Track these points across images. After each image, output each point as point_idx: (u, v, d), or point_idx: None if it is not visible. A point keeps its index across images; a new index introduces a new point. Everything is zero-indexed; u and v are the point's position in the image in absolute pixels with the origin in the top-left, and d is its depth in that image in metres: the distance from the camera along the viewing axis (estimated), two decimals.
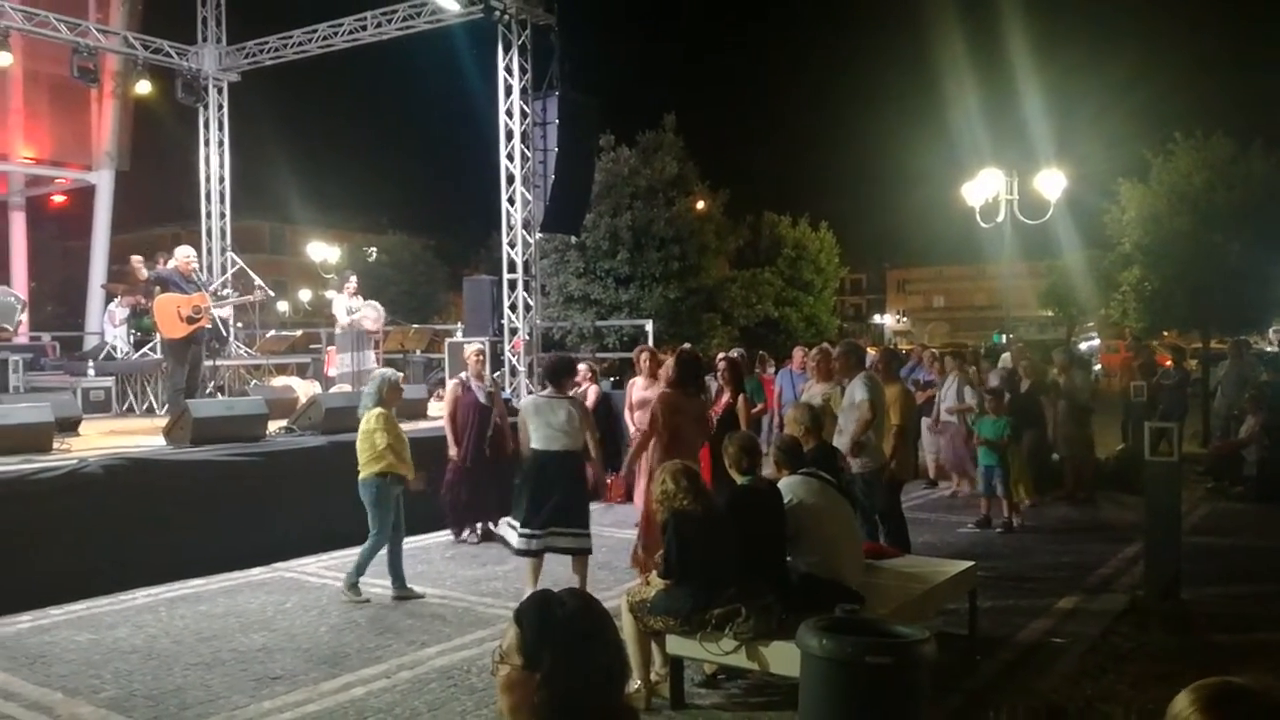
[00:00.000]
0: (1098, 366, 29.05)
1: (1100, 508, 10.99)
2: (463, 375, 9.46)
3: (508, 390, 12.95)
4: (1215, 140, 17.30)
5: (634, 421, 9.66)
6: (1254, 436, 11.73)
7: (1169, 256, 17.26)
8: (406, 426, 9.08)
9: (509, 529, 6.90)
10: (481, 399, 9.22)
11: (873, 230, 62.50)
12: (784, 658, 4.54)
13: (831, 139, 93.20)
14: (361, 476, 7.20)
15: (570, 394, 7.08)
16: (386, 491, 7.16)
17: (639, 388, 9.62)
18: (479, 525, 9.37)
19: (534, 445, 6.76)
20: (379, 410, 7.22)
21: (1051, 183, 15.44)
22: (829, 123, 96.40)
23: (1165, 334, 21.04)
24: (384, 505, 7.16)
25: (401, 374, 8.96)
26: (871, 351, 14.79)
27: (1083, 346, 38.24)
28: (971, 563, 6.43)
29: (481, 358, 9.49)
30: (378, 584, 7.36)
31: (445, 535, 9.38)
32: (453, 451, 9.11)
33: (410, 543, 8.98)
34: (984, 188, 15.67)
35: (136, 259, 11.02)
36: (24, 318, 10.46)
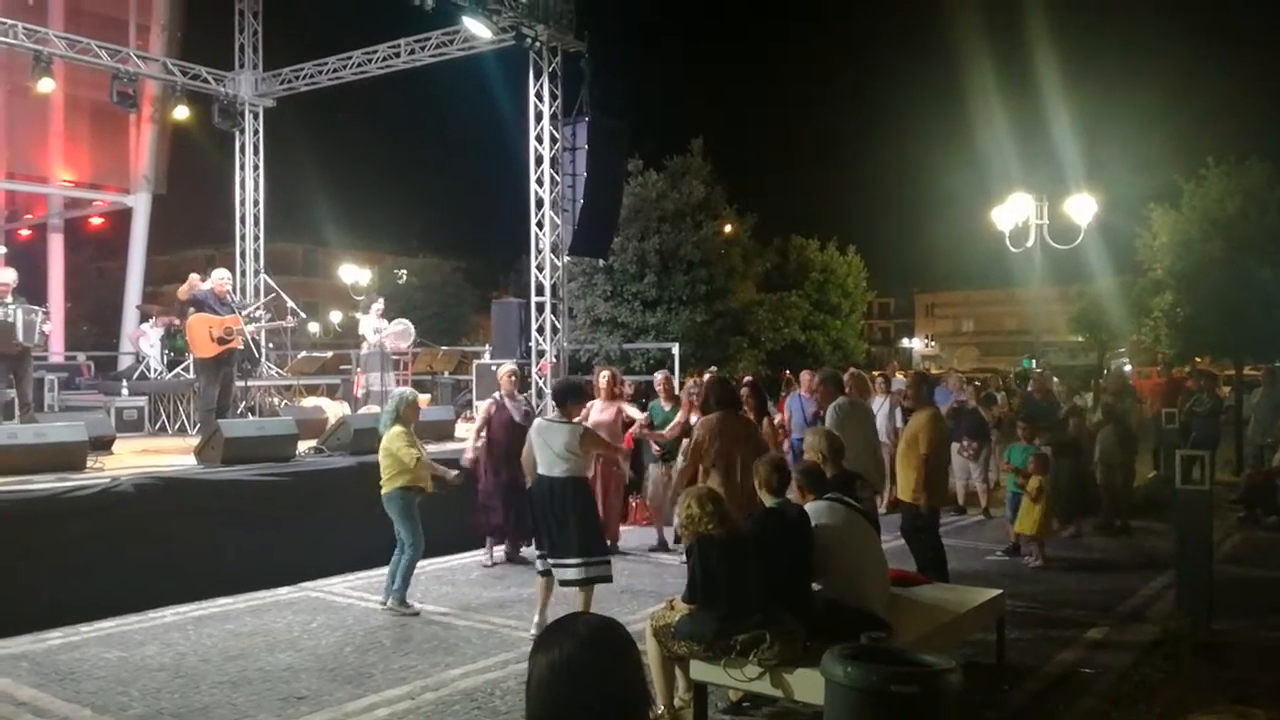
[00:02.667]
0: None
1: (1132, 536, 10.85)
2: (497, 394, 9.44)
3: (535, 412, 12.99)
4: (1249, 165, 17.16)
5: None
6: None
7: (1201, 282, 17.11)
8: (433, 447, 9.18)
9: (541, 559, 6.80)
10: (517, 418, 9.17)
11: (901, 254, 62.31)
12: (808, 685, 4.51)
13: (861, 162, 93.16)
14: (386, 491, 7.42)
15: (576, 419, 6.96)
16: (412, 503, 7.41)
17: (596, 410, 9.63)
18: (503, 546, 9.36)
19: (538, 470, 6.70)
20: (400, 428, 7.42)
21: (1082, 207, 15.37)
22: (858, 146, 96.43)
23: (1198, 360, 20.79)
24: (413, 517, 7.42)
25: (428, 395, 9.09)
26: (901, 376, 14.74)
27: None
28: (999, 591, 6.36)
29: (514, 377, 9.48)
30: (374, 599, 7.42)
31: (472, 557, 9.39)
32: (467, 457, 9.02)
33: (437, 563, 9.08)
34: (1014, 212, 15.62)
35: (195, 276, 11.22)
36: (48, 329, 10.54)
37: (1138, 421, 12.35)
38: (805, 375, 12.71)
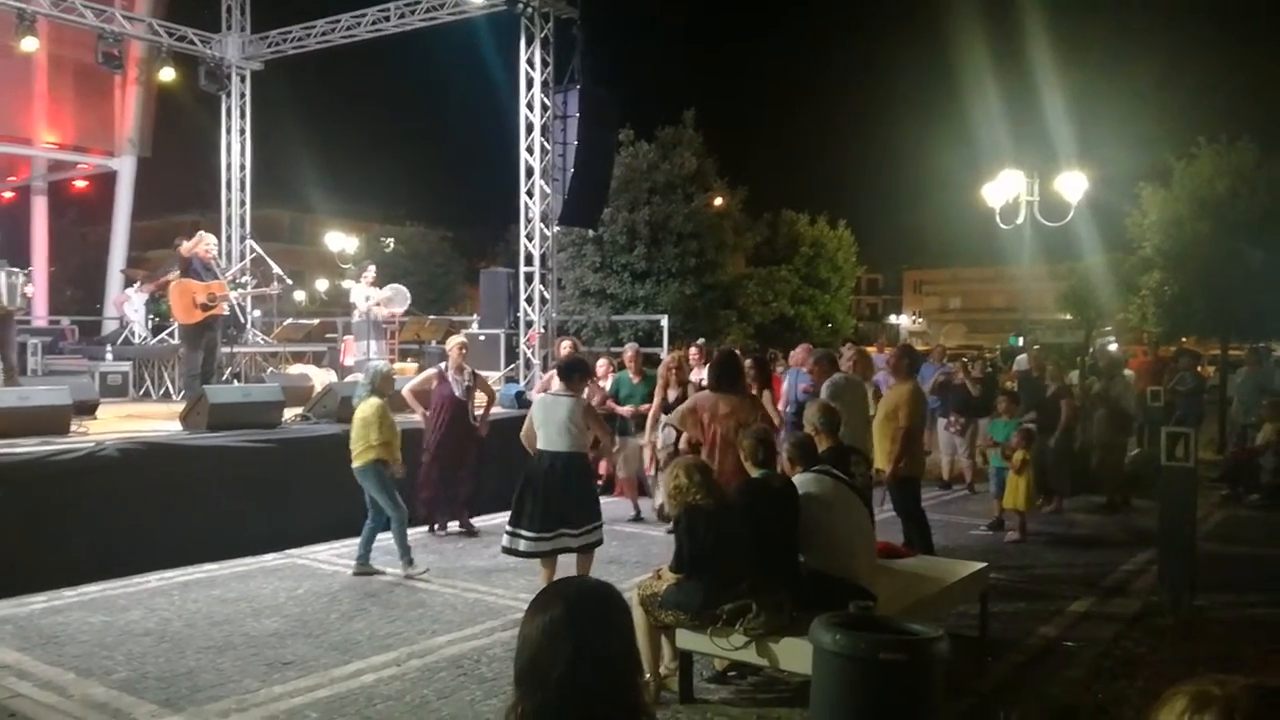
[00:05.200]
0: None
1: (1115, 512, 10.94)
2: (442, 365, 9.29)
3: (521, 382, 12.98)
4: (1239, 146, 17.16)
5: None
6: (1271, 444, 11.66)
7: (1190, 261, 17.14)
8: (415, 417, 9.14)
9: (509, 535, 6.65)
10: (458, 392, 9.05)
11: (891, 230, 62.16)
12: (794, 654, 4.54)
13: (852, 137, 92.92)
14: (359, 464, 7.49)
15: (580, 393, 6.85)
16: (380, 476, 7.49)
17: (556, 382, 9.59)
18: (448, 520, 9.28)
19: (539, 445, 6.62)
20: (375, 401, 7.51)
21: (1072, 185, 15.36)
22: (849, 121, 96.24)
23: (1184, 340, 20.87)
24: (388, 488, 7.50)
25: (415, 364, 9.04)
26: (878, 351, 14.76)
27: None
28: (983, 564, 6.41)
29: (464, 351, 9.34)
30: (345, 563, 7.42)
31: (456, 525, 9.37)
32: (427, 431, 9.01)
33: (421, 532, 9.08)
34: (1004, 189, 15.60)
35: (180, 242, 11.14)
36: (29, 291, 10.44)
37: (1132, 398, 12.49)
38: (802, 350, 12.74)
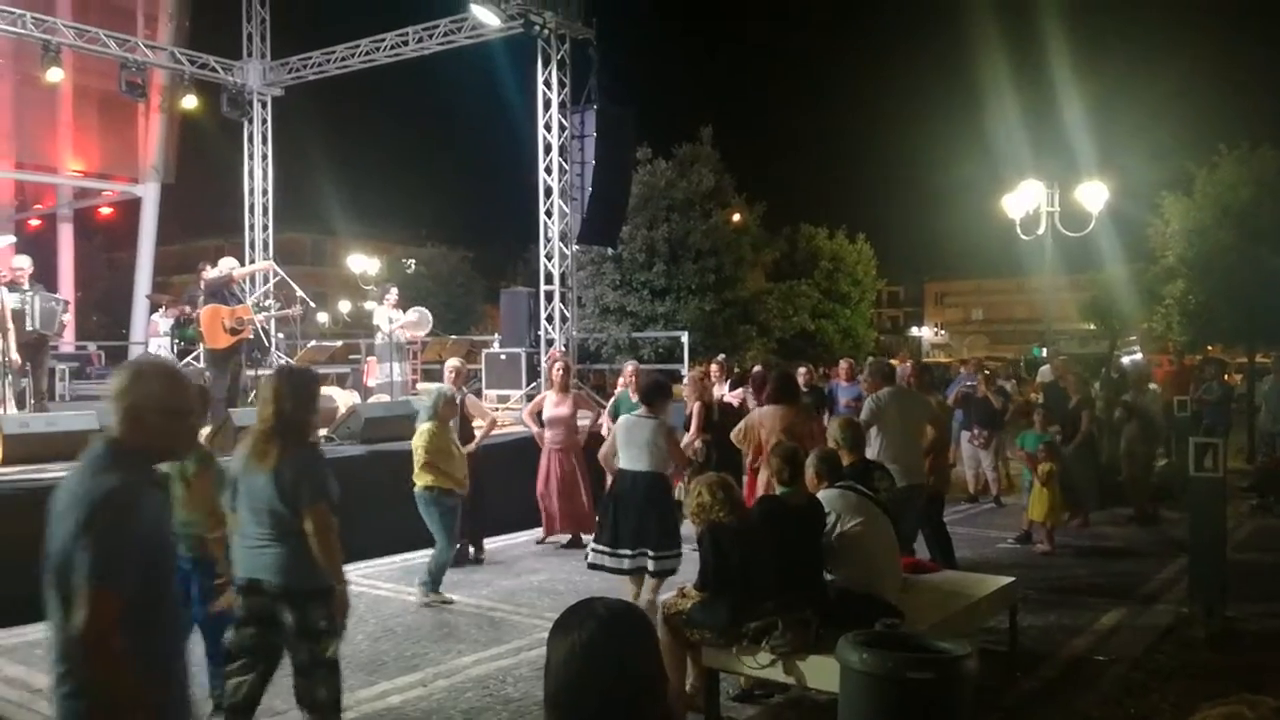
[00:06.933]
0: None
1: (1144, 524, 10.82)
2: None
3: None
4: (1262, 152, 17.06)
5: (540, 440, 9.53)
6: None
7: (1213, 270, 17.03)
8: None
9: (592, 552, 6.61)
10: None
11: (911, 242, 62.05)
12: (821, 672, 4.51)
13: (871, 150, 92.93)
14: (415, 488, 7.44)
15: (662, 414, 6.70)
16: (434, 504, 7.38)
17: (550, 404, 9.45)
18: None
19: (621, 464, 6.61)
20: (428, 425, 7.44)
21: (1093, 195, 15.27)
22: (868, 134, 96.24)
23: (1209, 348, 20.68)
24: (431, 516, 7.40)
25: (463, 392, 8.80)
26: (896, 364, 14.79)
27: (1125, 360, 37.62)
28: (1012, 578, 6.35)
29: (455, 374, 8.98)
30: (386, 587, 7.44)
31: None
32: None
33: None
34: (1025, 199, 15.53)
35: (204, 266, 11.29)
36: (67, 319, 10.55)
37: (1160, 409, 12.43)
38: (843, 364, 12.82)
